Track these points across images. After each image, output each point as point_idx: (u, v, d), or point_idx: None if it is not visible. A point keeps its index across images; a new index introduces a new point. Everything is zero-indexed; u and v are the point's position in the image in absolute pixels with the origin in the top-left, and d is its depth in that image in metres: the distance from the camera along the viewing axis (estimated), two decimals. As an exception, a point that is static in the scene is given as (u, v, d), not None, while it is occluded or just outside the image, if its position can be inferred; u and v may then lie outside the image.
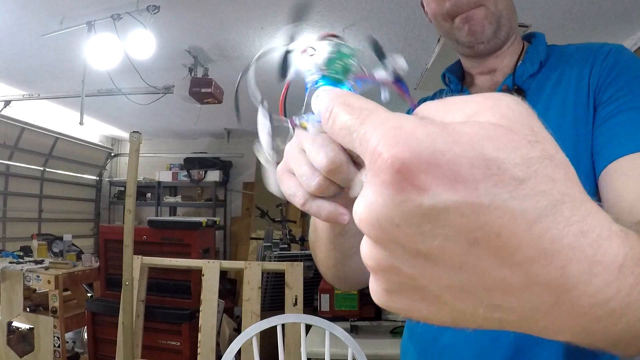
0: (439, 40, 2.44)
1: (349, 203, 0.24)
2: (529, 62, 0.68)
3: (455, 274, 0.19)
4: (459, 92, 0.72)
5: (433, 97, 0.81)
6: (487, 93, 0.20)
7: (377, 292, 0.22)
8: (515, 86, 0.65)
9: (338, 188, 0.28)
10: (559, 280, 0.18)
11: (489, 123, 0.19)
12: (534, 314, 0.19)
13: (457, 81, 0.75)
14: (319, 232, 0.48)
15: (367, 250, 0.21)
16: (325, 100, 0.24)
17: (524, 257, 0.18)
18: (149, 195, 5.51)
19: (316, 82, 0.29)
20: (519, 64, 0.68)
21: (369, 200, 0.19)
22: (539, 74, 0.66)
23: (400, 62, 0.32)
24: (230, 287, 4.22)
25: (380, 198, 0.18)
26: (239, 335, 1.47)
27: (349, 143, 0.21)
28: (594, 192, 0.53)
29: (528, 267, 0.18)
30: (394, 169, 0.17)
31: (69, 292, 3.18)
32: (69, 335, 3.20)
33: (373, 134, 0.19)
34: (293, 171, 0.31)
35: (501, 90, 0.65)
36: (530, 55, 0.68)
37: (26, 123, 4.10)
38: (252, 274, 2.35)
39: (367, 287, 0.25)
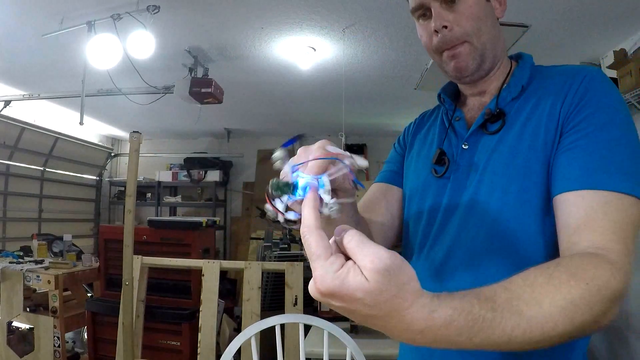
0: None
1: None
2: (512, 86, 0.73)
3: (351, 317, 0.44)
4: (452, 111, 0.81)
5: (433, 112, 0.92)
6: (379, 256, 0.39)
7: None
8: (497, 109, 0.72)
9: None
10: (388, 331, 0.43)
11: (364, 283, 0.39)
12: (406, 326, 0.41)
13: (451, 101, 0.82)
14: None
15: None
16: (303, 220, 0.44)
17: (376, 326, 0.43)
18: (149, 195, 5.51)
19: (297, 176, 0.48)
20: (504, 86, 0.74)
21: (313, 291, 0.42)
22: (520, 98, 0.72)
23: (359, 162, 0.50)
24: (230, 287, 4.22)
25: (318, 296, 0.41)
26: (238, 335, 1.47)
27: (308, 255, 0.42)
28: (548, 208, 0.65)
29: (379, 327, 0.43)
30: (320, 293, 0.41)
31: (69, 292, 3.18)
32: (69, 335, 3.20)
33: (315, 271, 0.41)
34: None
35: (485, 113, 0.73)
36: (514, 79, 0.74)
37: (26, 123, 4.10)
38: (252, 274, 2.35)
39: None
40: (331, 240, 0.43)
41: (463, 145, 0.75)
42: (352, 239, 0.41)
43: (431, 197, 0.77)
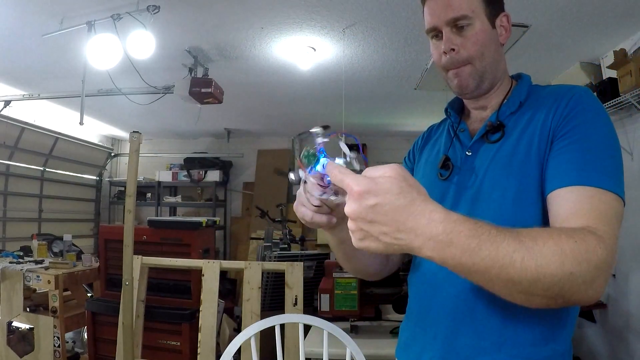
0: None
1: (336, 215, 0.69)
2: (511, 102, 0.83)
3: (381, 228, 0.52)
4: (457, 124, 0.91)
5: (440, 125, 1.01)
6: (389, 165, 0.53)
7: (354, 241, 0.56)
8: (497, 122, 0.82)
9: (327, 209, 0.68)
10: (410, 230, 0.52)
11: (388, 177, 0.51)
12: (410, 233, 0.52)
13: (456, 115, 0.92)
14: (330, 243, 0.83)
15: (349, 222, 0.54)
16: (331, 167, 0.56)
17: (400, 227, 0.53)
18: (149, 195, 5.51)
19: (321, 153, 0.61)
20: (504, 102, 0.84)
21: (350, 205, 0.52)
22: (518, 113, 0.82)
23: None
24: (230, 287, 4.22)
25: (354, 204, 0.52)
26: (238, 335, 1.47)
27: (339, 184, 0.54)
28: (543, 204, 0.74)
29: (403, 228, 0.52)
30: (357, 193, 0.51)
31: (69, 292, 3.18)
32: (69, 335, 3.20)
33: (349, 183, 0.52)
34: (304, 204, 0.67)
35: (486, 126, 0.83)
36: (513, 96, 0.84)
37: (26, 123, 4.10)
38: (252, 274, 2.35)
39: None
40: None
41: (467, 153, 0.84)
42: (364, 171, 0.55)
43: (436, 197, 0.84)
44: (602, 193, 0.66)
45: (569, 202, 0.67)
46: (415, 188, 0.52)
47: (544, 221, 0.72)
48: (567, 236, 0.57)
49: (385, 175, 0.51)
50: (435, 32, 0.83)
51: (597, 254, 0.57)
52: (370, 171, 0.53)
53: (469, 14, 0.79)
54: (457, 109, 0.94)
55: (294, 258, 2.83)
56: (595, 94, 2.63)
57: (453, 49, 0.80)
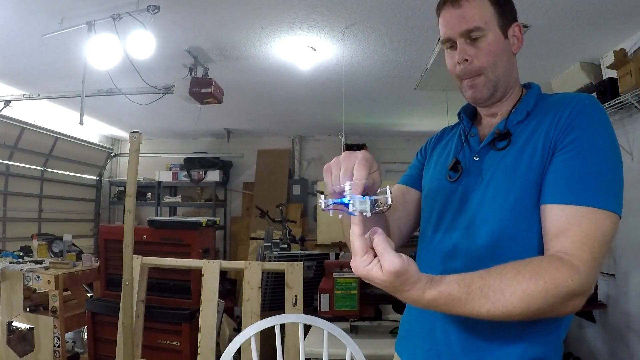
0: (438, 40, 2.43)
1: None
2: (519, 111, 0.86)
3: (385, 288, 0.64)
4: (469, 129, 0.95)
5: (453, 128, 1.04)
6: (394, 262, 0.60)
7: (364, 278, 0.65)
8: (505, 129, 0.85)
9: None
10: (405, 299, 0.65)
11: (381, 276, 0.61)
12: (405, 299, 0.65)
13: (469, 120, 0.97)
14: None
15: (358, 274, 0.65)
16: (352, 230, 0.62)
17: (396, 293, 0.64)
18: (149, 195, 5.51)
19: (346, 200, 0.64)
20: (513, 111, 0.87)
21: (354, 270, 0.63)
22: (525, 121, 0.85)
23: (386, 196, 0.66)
24: (230, 287, 4.22)
25: (360, 274, 0.63)
26: (238, 335, 1.47)
27: (352, 251, 0.64)
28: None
29: (398, 295, 0.65)
30: (360, 275, 0.63)
31: (69, 292, 3.18)
32: (69, 335, 3.20)
33: (354, 262, 0.63)
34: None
35: (494, 133, 0.86)
36: (522, 105, 0.87)
37: (26, 123, 4.10)
38: (252, 274, 2.35)
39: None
40: (366, 235, 0.62)
41: (474, 157, 0.88)
42: (380, 244, 0.61)
43: (444, 197, 0.90)
44: (593, 212, 0.70)
45: (559, 220, 0.72)
46: (400, 285, 0.63)
47: (539, 226, 0.77)
48: (538, 278, 0.64)
49: (378, 277, 0.61)
50: (450, 43, 0.87)
51: (568, 286, 0.64)
52: (381, 248, 0.62)
53: (482, 25, 0.82)
54: (470, 114, 0.98)
55: (294, 258, 2.83)
56: (595, 94, 2.64)
57: (467, 60, 0.84)
